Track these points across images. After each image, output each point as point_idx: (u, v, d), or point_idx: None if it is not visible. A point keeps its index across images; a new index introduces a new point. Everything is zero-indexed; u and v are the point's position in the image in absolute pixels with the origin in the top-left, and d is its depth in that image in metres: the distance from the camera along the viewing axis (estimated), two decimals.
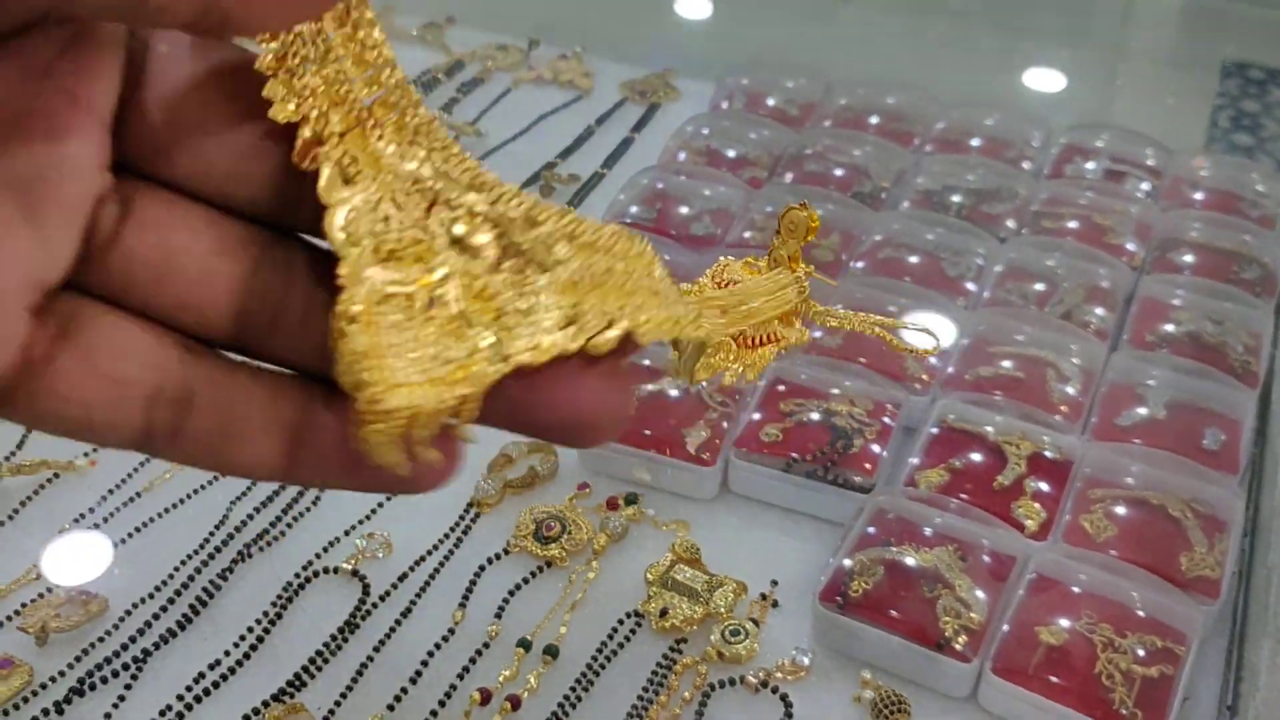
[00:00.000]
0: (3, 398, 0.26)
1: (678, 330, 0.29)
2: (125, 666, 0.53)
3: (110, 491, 0.61)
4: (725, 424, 0.62)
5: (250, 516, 0.60)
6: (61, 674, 0.53)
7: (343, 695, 0.53)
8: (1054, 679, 0.51)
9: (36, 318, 0.26)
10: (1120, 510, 0.59)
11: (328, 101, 0.27)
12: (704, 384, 0.66)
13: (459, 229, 0.27)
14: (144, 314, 0.27)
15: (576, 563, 0.58)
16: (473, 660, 0.54)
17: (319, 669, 0.53)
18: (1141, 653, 0.53)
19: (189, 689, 0.52)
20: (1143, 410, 0.64)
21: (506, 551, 0.59)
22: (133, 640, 0.54)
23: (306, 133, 0.27)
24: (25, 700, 0.52)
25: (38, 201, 0.25)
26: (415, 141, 0.28)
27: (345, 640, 0.55)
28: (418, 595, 0.57)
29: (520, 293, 0.27)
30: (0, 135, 0.25)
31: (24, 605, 0.55)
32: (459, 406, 0.27)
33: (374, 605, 0.56)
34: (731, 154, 0.83)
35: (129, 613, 0.56)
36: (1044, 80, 0.99)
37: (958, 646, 0.52)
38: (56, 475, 0.62)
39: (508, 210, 0.28)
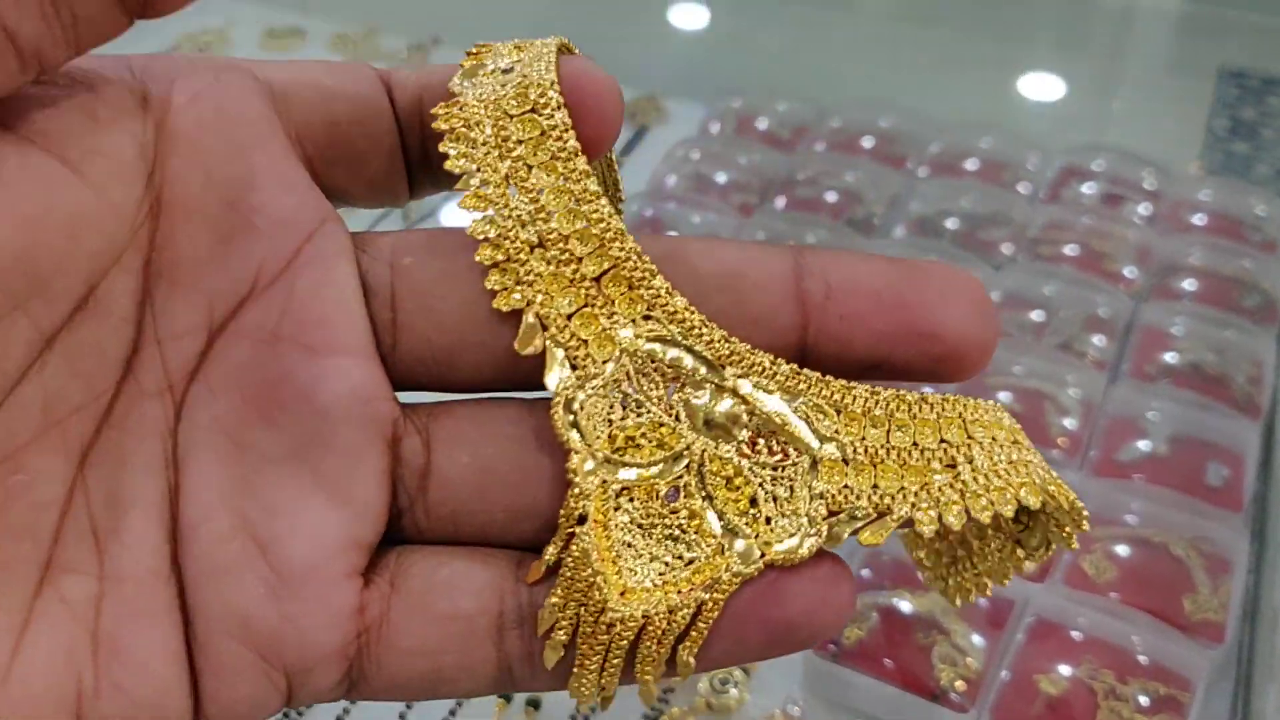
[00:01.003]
0: (355, 678, 0.25)
1: (1005, 505, 0.24)
2: None
3: None
4: None
5: None
6: None
7: None
8: None
9: (364, 579, 0.25)
10: (1121, 550, 0.57)
11: (553, 284, 0.25)
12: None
13: (704, 409, 0.25)
14: (478, 538, 0.25)
15: None
16: (452, 712, 0.52)
17: (300, 713, 0.52)
18: (1145, 701, 0.51)
19: None
20: (1144, 444, 0.62)
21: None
22: None
23: (530, 319, 0.25)
24: None
25: (326, 462, 0.24)
26: (650, 315, 0.25)
27: None
28: None
29: (776, 477, 0.24)
30: (262, 412, 0.24)
31: None
32: (694, 616, 0.24)
33: None
34: (722, 179, 0.81)
35: None
36: (1040, 89, 0.98)
37: (954, 696, 0.51)
38: None
39: (760, 382, 0.24)
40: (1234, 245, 0.75)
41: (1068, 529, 0.25)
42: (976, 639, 0.53)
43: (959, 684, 0.51)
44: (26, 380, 0.23)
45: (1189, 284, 0.72)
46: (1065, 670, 0.52)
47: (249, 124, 0.25)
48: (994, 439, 0.24)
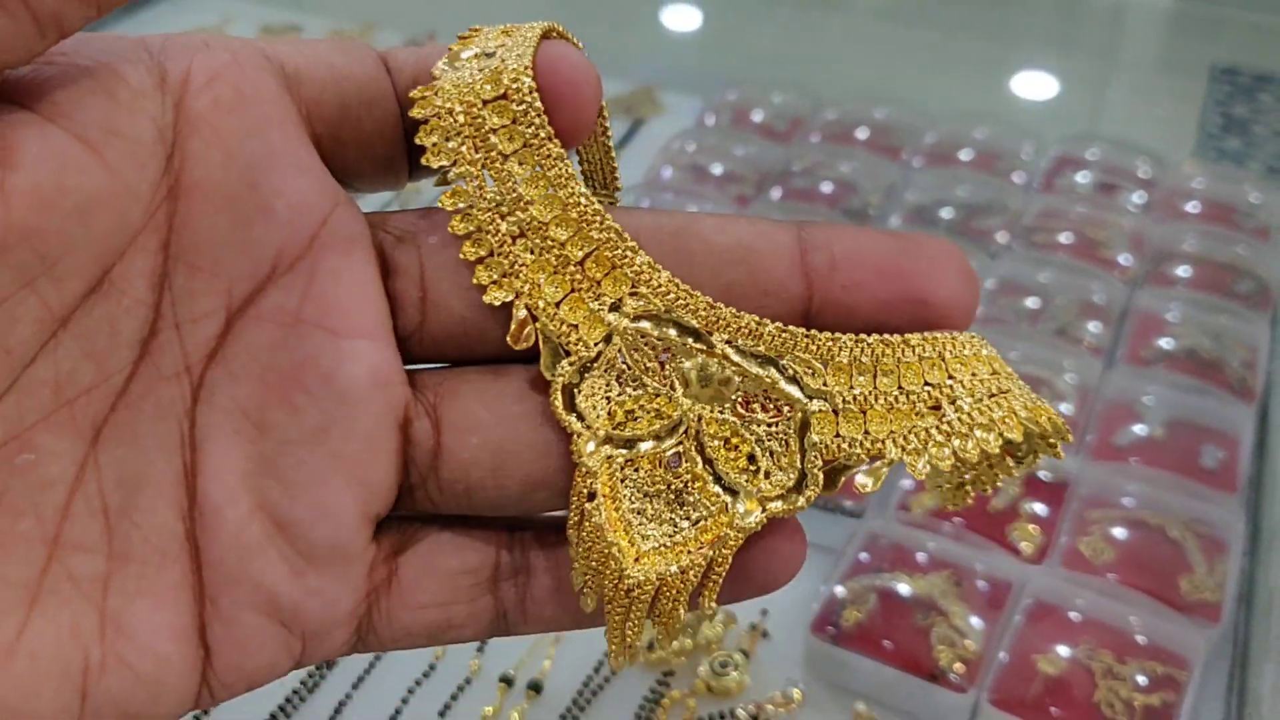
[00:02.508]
0: (362, 633, 0.27)
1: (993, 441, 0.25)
2: None
3: None
4: None
5: None
6: None
7: None
8: (1054, 709, 0.50)
9: (375, 544, 0.26)
10: (1118, 532, 0.57)
11: (539, 273, 0.26)
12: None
13: (696, 374, 0.25)
14: (492, 508, 0.27)
15: None
16: (454, 697, 0.52)
17: (295, 708, 0.52)
18: (1142, 680, 0.51)
19: None
20: (1140, 428, 0.63)
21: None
22: None
23: (520, 313, 0.26)
24: None
25: (344, 444, 0.25)
26: (636, 292, 0.26)
27: (323, 677, 0.53)
28: None
29: (771, 433, 0.25)
30: (283, 394, 0.25)
31: None
32: (707, 571, 0.25)
33: None
34: (718, 171, 0.81)
35: None
36: (1034, 86, 0.99)
37: (953, 677, 0.51)
38: None
39: (748, 344, 0.25)
40: (1228, 232, 0.75)
41: (1053, 441, 0.26)
42: (975, 621, 0.53)
43: (958, 665, 0.51)
44: (38, 360, 0.23)
45: (1183, 270, 0.73)
46: (1063, 651, 0.52)
47: (266, 105, 0.25)
48: (974, 374, 0.25)
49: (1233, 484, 0.60)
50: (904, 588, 0.54)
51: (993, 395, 0.25)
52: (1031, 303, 0.70)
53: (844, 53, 1.05)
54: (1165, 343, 0.67)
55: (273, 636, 0.25)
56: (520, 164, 0.26)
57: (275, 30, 1.02)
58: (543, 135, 0.26)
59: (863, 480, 0.25)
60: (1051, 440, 0.26)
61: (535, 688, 0.52)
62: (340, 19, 1.04)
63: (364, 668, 0.53)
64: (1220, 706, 0.53)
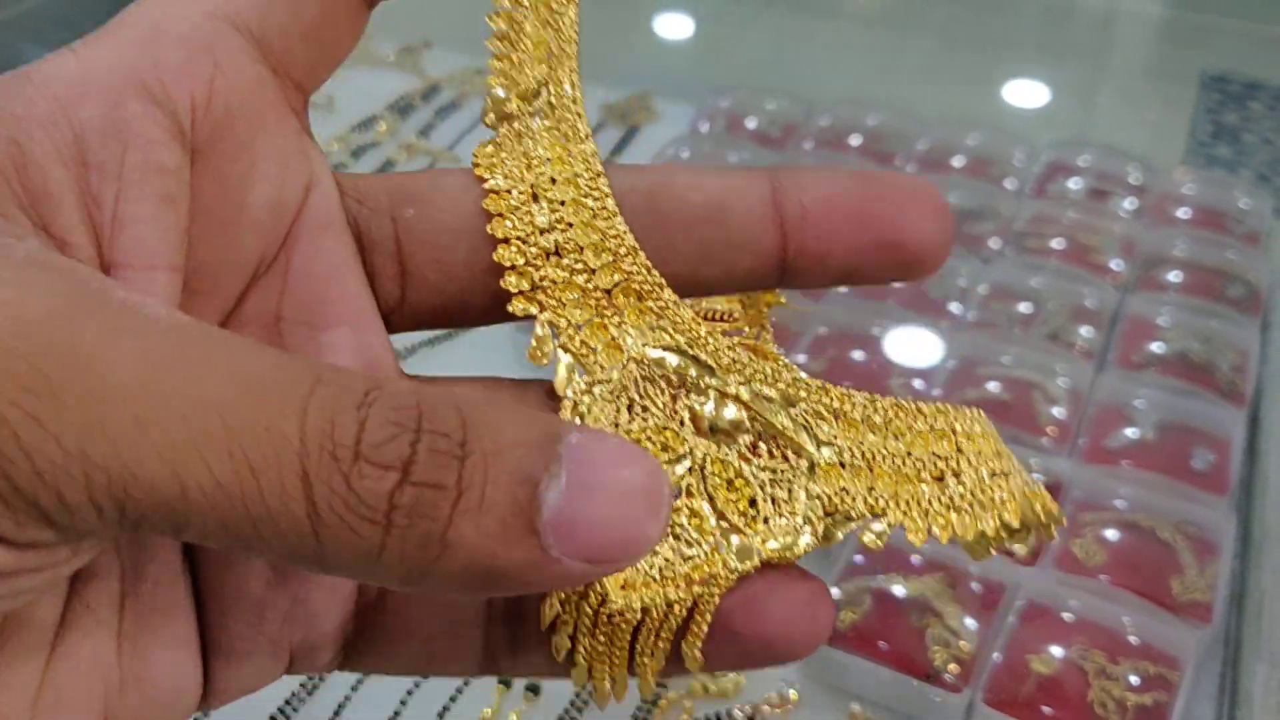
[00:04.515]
0: (349, 653, 0.27)
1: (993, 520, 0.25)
2: None
3: None
4: None
5: None
6: None
7: None
8: (1047, 709, 0.50)
9: None
10: (1110, 534, 0.58)
11: (566, 292, 0.26)
12: None
13: (707, 413, 0.25)
14: None
15: None
16: (453, 699, 0.53)
17: (295, 709, 0.52)
18: (1135, 680, 0.52)
19: None
20: (1131, 431, 0.63)
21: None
22: None
23: (540, 330, 0.26)
24: None
25: None
26: (659, 326, 0.26)
27: (322, 679, 0.53)
28: None
29: (775, 479, 0.25)
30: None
31: None
32: (692, 612, 0.25)
33: None
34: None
35: None
36: (1025, 94, 0.99)
37: (948, 677, 0.51)
38: None
39: (763, 389, 0.25)
40: (1218, 237, 0.76)
41: (1047, 523, 0.26)
42: (969, 622, 0.53)
43: (952, 665, 0.52)
44: None
45: (1174, 275, 0.73)
46: (1057, 651, 0.52)
47: (251, 113, 0.25)
48: (979, 451, 0.25)
49: (1223, 487, 0.60)
50: (898, 589, 0.55)
51: (994, 475, 0.25)
52: (1024, 307, 0.71)
53: (837, 60, 1.05)
54: (1156, 347, 0.68)
55: (262, 648, 0.26)
56: (569, 187, 0.26)
57: None
58: (594, 169, 0.26)
59: (870, 539, 0.25)
60: (1045, 523, 0.26)
61: (533, 689, 0.52)
62: None
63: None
64: (1212, 706, 0.53)
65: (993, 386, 0.65)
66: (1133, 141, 0.86)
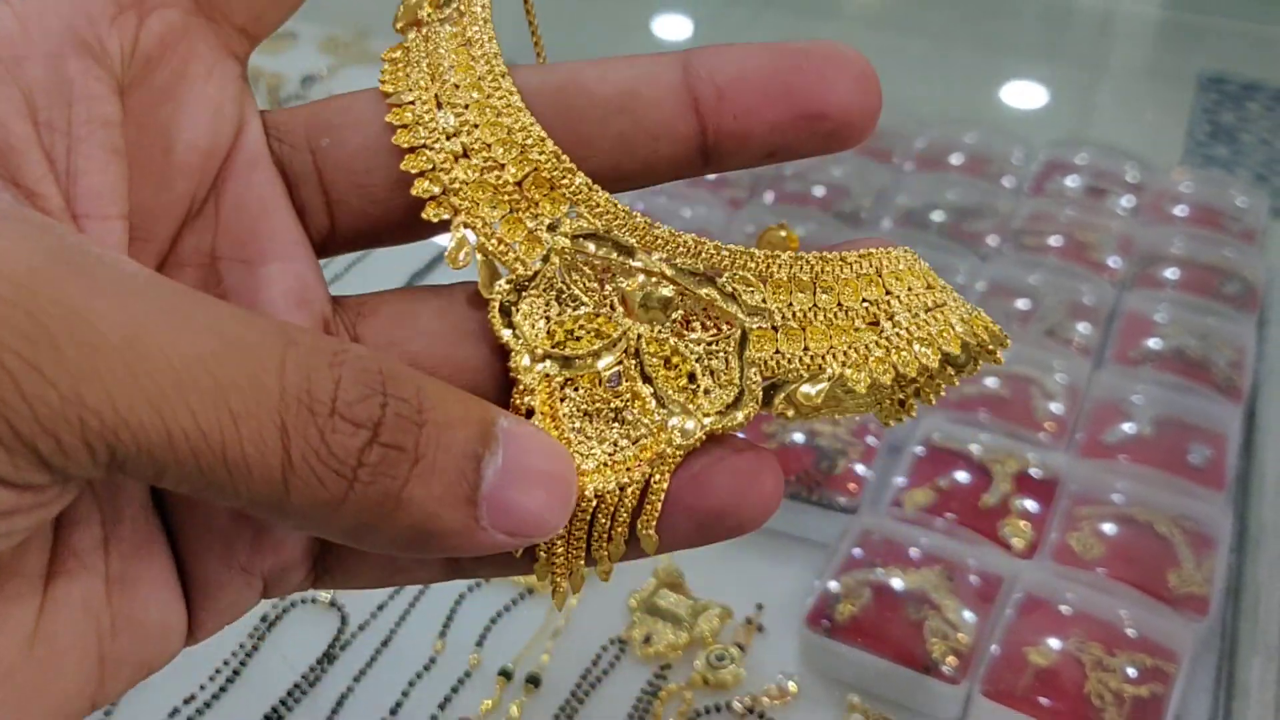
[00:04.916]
0: (319, 572, 0.28)
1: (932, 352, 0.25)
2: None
3: None
4: None
5: None
6: None
7: None
8: (1044, 700, 0.51)
9: None
10: (1107, 528, 0.58)
11: (479, 192, 0.26)
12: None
13: (636, 294, 0.25)
14: None
15: None
16: (454, 690, 0.53)
17: (297, 701, 0.52)
18: (1132, 672, 0.52)
19: None
20: (1128, 426, 0.63)
21: (486, 579, 0.58)
22: None
23: (459, 232, 0.26)
24: None
25: None
26: (574, 211, 0.26)
27: (324, 671, 0.54)
28: (397, 625, 0.56)
29: (711, 351, 0.25)
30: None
31: None
32: (644, 494, 0.25)
33: (353, 635, 0.55)
34: (711, 175, 0.82)
35: None
36: (1023, 95, 0.99)
37: (946, 669, 0.52)
38: None
39: (687, 264, 0.25)
40: (1215, 235, 0.76)
41: (992, 348, 0.26)
42: (967, 614, 0.54)
43: (950, 658, 0.52)
44: None
45: (1171, 272, 0.74)
46: (1054, 643, 0.53)
47: (176, 60, 0.25)
48: (910, 289, 0.26)
49: (1220, 481, 0.61)
50: (897, 582, 0.55)
51: (929, 309, 0.26)
52: (1022, 304, 0.71)
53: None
54: (1153, 343, 0.68)
55: (234, 579, 0.26)
56: (473, 91, 0.26)
57: (270, 38, 1.02)
58: (497, 70, 0.26)
59: (806, 391, 0.25)
60: (990, 348, 0.26)
61: (534, 681, 0.53)
62: (333, 25, 1.04)
63: (365, 661, 0.54)
64: (1208, 698, 0.53)
65: (991, 382, 0.65)
66: (1130, 141, 0.86)
